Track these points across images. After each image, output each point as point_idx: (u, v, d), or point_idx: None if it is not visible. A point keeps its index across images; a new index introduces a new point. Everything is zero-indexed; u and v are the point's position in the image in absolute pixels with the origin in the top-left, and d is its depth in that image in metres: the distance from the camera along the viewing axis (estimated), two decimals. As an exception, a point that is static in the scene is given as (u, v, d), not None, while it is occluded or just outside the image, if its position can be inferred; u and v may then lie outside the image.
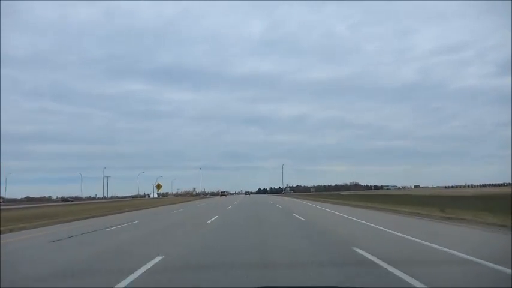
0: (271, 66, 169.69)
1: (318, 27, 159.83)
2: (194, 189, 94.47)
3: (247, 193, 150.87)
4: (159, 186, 37.56)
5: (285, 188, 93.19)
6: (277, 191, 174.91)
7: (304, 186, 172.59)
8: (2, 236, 12.41)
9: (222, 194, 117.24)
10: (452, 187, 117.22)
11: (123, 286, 4.88)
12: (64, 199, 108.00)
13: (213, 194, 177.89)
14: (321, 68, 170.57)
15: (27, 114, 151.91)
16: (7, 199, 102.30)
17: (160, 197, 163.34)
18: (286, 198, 59.28)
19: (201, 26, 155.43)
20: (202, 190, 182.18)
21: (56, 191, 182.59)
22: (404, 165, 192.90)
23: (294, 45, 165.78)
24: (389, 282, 4.73)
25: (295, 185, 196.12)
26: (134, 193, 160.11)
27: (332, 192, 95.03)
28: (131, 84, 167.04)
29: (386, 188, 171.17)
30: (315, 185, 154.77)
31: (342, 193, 75.47)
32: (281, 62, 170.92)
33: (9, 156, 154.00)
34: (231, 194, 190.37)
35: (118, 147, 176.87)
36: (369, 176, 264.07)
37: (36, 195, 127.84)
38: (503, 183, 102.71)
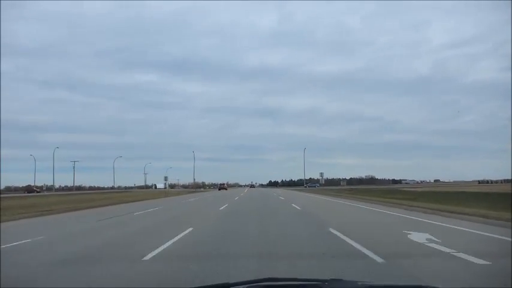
0: (281, 59, 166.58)
1: (329, 19, 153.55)
2: (165, 179, 75.39)
3: (252, 186, 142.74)
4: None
5: (319, 179, 60.30)
6: (290, 184, 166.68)
7: (316, 178, 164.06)
8: None
9: (222, 186, 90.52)
10: (487, 182, 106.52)
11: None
12: (29, 189, 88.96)
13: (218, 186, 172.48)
14: (332, 61, 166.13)
15: (39, 104, 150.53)
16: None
17: (167, 188, 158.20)
18: (320, 197, 33.84)
19: (211, 18, 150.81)
20: (203, 182, 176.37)
21: (64, 180, 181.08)
22: (416, 158, 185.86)
23: (305, 37, 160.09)
24: None
25: (308, 178, 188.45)
26: (143, 183, 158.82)
27: (381, 187, 73.25)
28: (141, 75, 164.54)
29: (405, 182, 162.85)
30: (329, 178, 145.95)
31: (402, 189, 50.81)
32: (291, 54, 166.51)
33: (22, 145, 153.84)
34: (241, 186, 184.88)
35: (126, 137, 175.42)
36: (380, 169, 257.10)
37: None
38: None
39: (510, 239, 7.55)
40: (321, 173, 57.82)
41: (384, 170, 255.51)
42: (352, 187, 71.07)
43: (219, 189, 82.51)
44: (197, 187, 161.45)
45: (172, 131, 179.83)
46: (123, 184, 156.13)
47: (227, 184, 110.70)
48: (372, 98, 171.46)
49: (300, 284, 2.33)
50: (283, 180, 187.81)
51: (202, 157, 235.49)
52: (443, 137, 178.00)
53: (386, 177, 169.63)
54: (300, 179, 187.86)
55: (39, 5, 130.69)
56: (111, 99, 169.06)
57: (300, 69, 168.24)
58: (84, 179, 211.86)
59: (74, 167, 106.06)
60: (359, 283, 2.28)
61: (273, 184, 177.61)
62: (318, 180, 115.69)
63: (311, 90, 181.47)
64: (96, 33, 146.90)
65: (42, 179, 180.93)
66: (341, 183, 77.14)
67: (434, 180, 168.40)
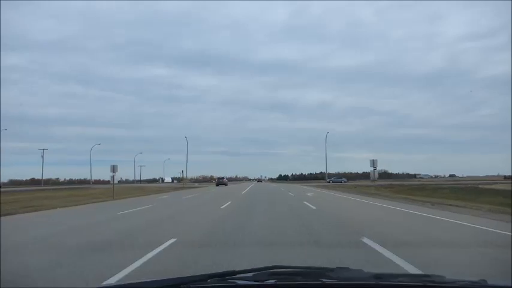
0: (295, 52, 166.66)
1: (343, 13, 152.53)
2: (112, 170, 29.22)
3: (259, 180, 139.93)
4: None
5: (372, 171, 39.03)
6: (301, 178, 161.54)
7: (335, 172, 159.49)
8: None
9: (220, 181, 67.73)
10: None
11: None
12: None
13: (232, 179, 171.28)
14: (345, 54, 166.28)
15: (54, 98, 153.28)
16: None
17: (175, 181, 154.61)
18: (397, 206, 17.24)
19: (225, 12, 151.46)
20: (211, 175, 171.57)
21: (78, 174, 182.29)
22: (428, 153, 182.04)
23: (319, 31, 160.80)
24: None
25: (318, 172, 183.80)
26: (155, 176, 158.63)
27: (440, 184, 47.63)
28: (155, 69, 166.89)
29: (419, 176, 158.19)
30: (340, 172, 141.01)
31: (492, 187, 33.51)
32: (305, 48, 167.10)
33: (37, 138, 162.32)
34: (249, 179, 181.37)
35: (140, 131, 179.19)
36: (391, 163, 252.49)
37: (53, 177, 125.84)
38: None
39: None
40: (373, 161, 30.19)
41: (395, 164, 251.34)
42: (390, 182, 61.89)
43: (217, 185, 64.83)
44: (206, 180, 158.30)
45: (187, 124, 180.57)
46: (131, 178, 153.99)
47: (228, 178, 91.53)
48: (386, 92, 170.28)
49: (306, 272, 2.31)
50: (293, 174, 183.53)
51: (215, 151, 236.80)
52: (456, 131, 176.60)
53: (400, 171, 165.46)
54: (311, 173, 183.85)
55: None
56: (125, 93, 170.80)
57: (313, 63, 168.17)
58: (98, 173, 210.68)
59: (42, 157, 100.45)
60: (365, 271, 2.22)
61: (283, 178, 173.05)
62: (338, 175, 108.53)
63: (324, 84, 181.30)
64: (111, 28, 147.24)
65: (55, 173, 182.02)
66: (371, 177, 67.46)
67: (450, 175, 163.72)
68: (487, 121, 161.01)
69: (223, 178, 74.26)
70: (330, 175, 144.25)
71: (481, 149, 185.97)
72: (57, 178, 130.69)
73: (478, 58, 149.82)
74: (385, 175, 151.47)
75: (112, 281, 4.87)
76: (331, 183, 70.77)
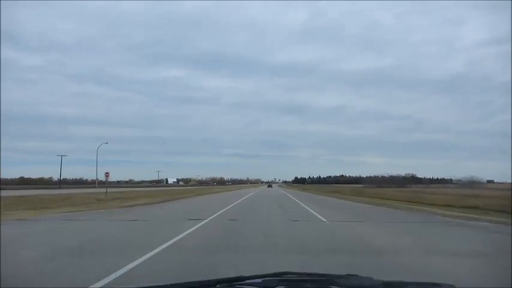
0: (311, 55, 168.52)
1: (362, 16, 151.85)
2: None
3: (269, 185, 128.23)
4: None
5: None
6: (320, 181, 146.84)
7: (347, 176, 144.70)
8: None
9: None
10: None
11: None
12: None
13: (241, 182, 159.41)
14: (362, 58, 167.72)
15: (71, 97, 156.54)
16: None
17: (181, 183, 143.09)
18: None
19: (242, 14, 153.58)
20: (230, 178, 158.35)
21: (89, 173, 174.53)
22: (446, 159, 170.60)
23: (336, 34, 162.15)
24: None
25: (338, 175, 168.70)
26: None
27: None
28: (170, 71, 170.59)
29: (454, 182, 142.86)
30: (362, 176, 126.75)
31: None
32: (321, 51, 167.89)
33: (53, 137, 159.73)
34: (263, 182, 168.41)
35: (155, 131, 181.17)
36: (409, 168, 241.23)
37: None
38: None
39: None
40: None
41: (412, 169, 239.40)
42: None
43: None
44: (221, 183, 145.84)
45: (201, 126, 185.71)
46: (141, 179, 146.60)
47: (237, 181, 65.33)
48: (402, 96, 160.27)
49: (315, 279, 2.33)
50: (311, 177, 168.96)
51: (229, 153, 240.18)
52: (473, 137, 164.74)
53: (425, 176, 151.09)
54: (330, 176, 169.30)
55: (74, 1, 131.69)
56: (139, 93, 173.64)
57: (329, 66, 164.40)
58: (112, 173, 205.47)
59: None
60: (374, 279, 2.25)
61: (299, 181, 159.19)
62: (337, 178, 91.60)
63: (339, 88, 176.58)
64: (128, 30, 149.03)
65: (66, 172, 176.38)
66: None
67: (487, 181, 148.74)
68: (503, 127, 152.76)
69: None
70: (362, 179, 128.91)
71: (497, 156, 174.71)
72: (51, 177, 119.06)
73: (497, 63, 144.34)
74: (414, 180, 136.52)
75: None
76: None
